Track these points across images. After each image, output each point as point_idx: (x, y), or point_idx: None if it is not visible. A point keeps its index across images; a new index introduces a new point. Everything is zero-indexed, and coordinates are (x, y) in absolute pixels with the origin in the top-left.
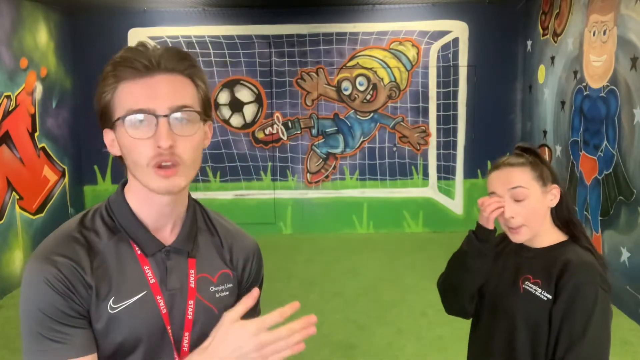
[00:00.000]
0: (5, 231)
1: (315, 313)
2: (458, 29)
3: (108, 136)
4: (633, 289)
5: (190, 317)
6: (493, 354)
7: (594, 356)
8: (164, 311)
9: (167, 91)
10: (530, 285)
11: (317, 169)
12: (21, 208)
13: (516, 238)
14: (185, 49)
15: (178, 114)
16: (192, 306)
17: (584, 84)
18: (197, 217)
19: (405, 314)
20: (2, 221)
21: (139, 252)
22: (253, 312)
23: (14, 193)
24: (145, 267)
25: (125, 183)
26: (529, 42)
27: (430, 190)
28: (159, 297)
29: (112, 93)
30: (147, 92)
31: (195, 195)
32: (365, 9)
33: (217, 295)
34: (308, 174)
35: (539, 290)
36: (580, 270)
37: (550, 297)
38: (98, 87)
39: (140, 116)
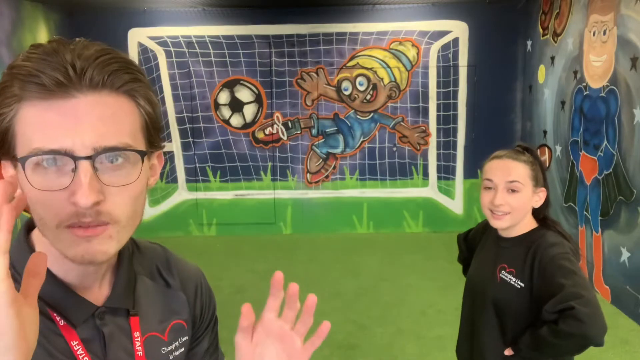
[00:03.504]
0: None
1: (315, 313)
2: (458, 29)
3: (8, 171)
4: (633, 289)
5: None
6: (474, 333)
7: (591, 297)
8: None
9: (93, 122)
10: (506, 274)
11: (317, 169)
12: None
13: (497, 224)
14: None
15: (107, 156)
16: None
17: (584, 84)
18: (133, 259)
19: (405, 314)
20: None
21: (62, 322)
22: (215, 353)
23: None
24: (74, 343)
25: (30, 226)
26: (529, 42)
27: (430, 190)
28: None
29: (12, 116)
30: (62, 122)
31: (196, 195)
32: (365, 9)
33: (170, 357)
34: (308, 174)
35: (514, 279)
36: (550, 248)
37: (523, 285)
38: None
39: (51, 159)
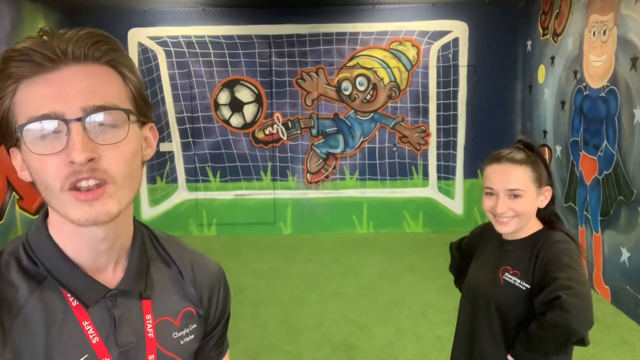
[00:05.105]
0: (5, 231)
1: (315, 313)
2: (458, 29)
3: (16, 157)
4: (633, 289)
5: None
6: (474, 341)
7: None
8: None
9: (79, 86)
10: (510, 276)
11: (317, 169)
12: (21, 208)
13: (502, 229)
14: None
15: (96, 116)
16: None
17: (584, 84)
18: (147, 246)
19: (405, 314)
20: (2, 221)
21: (74, 303)
22: (220, 347)
23: (14, 193)
24: (85, 323)
25: (46, 213)
26: (529, 42)
27: (430, 190)
28: None
29: (10, 98)
30: (51, 90)
31: (196, 195)
32: (365, 9)
33: (181, 342)
34: (308, 174)
35: (518, 281)
36: (556, 245)
37: (528, 286)
38: None
39: (44, 124)
